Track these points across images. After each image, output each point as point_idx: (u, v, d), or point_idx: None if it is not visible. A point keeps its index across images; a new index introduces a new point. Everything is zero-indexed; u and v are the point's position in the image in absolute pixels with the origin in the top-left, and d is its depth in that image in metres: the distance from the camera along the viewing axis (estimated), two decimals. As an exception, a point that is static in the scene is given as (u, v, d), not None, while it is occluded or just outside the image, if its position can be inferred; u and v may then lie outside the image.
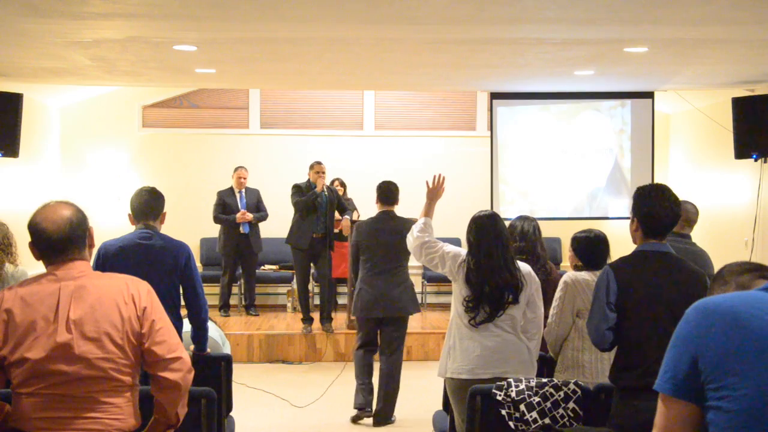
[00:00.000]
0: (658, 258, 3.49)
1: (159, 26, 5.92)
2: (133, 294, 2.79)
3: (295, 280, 9.24)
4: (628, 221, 10.23)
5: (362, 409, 6.41)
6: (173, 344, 2.83)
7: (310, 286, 9.17)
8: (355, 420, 6.47)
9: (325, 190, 8.68)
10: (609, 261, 4.43)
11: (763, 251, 8.38)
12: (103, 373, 2.69)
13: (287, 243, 8.85)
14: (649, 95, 9.38)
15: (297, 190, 8.70)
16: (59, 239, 2.76)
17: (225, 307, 9.87)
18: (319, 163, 8.75)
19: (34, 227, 2.78)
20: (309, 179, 8.76)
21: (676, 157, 10.77)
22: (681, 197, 5.16)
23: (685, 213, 4.99)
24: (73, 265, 2.78)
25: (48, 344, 2.65)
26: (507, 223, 5.17)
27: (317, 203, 8.63)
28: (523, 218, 5.06)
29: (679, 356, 1.86)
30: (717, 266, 4.98)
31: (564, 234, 10.44)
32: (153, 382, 2.83)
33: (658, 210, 3.46)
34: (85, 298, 2.72)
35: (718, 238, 8.77)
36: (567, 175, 9.66)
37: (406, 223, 5.90)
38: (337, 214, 9.70)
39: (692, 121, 10.19)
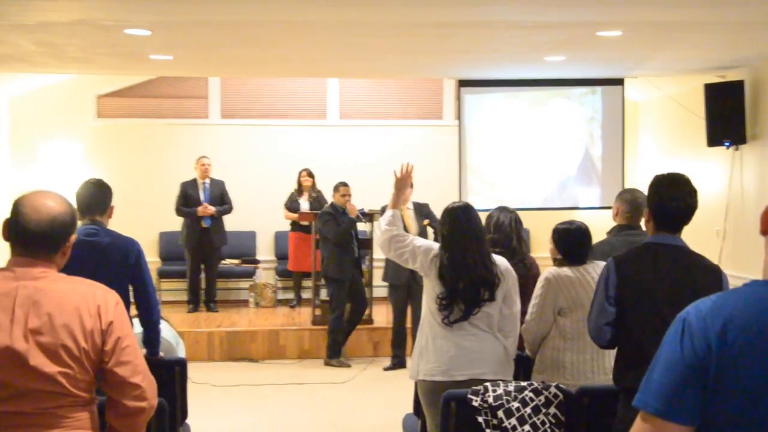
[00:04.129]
0: (667, 251, 3.23)
1: (109, 8, 5.59)
2: (99, 305, 2.46)
3: (332, 315, 8.09)
4: (600, 211, 9.98)
5: None
6: (138, 365, 2.51)
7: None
8: None
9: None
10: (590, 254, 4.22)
11: (734, 241, 8.23)
12: (58, 389, 2.38)
13: (324, 276, 8.09)
14: (620, 82, 9.20)
15: (329, 218, 7.92)
16: (33, 232, 2.45)
17: (192, 302, 9.53)
18: (344, 184, 8.12)
19: (15, 207, 2.50)
20: (333, 203, 8.10)
21: (646, 146, 10.60)
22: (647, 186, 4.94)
23: (634, 203, 4.69)
24: (36, 263, 2.47)
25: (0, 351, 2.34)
26: (483, 215, 4.93)
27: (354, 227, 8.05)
28: (500, 209, 4.81)
29: (675, 371, 1.71)
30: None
31: (533, 225, 10.22)
32: (110, 405, 2.50)
33: (668, 202, 3.21)
34: (44, 303, 2.40)
35: (689, 227, 8.60)
36: (537, 165, 9.44)
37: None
38: (304, 205, 9.41)
39: (663, 108, 10.03)
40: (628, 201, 4.62)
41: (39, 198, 2.51)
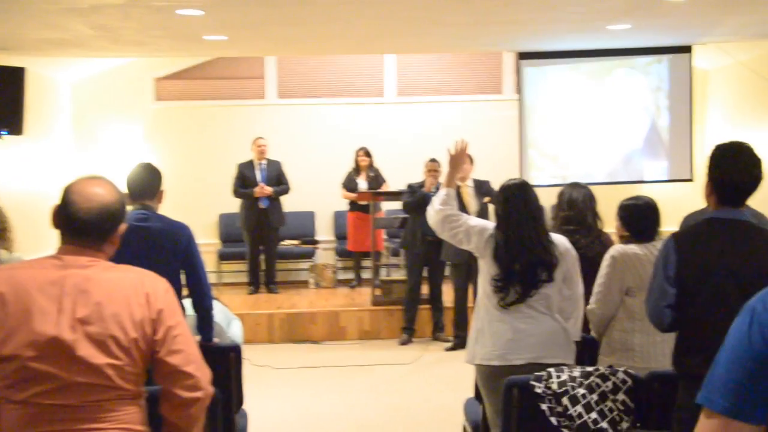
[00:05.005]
0: (731, 227, 2.98)
1: (160, -12, 5.52)
2: (148, 293, 2.37)
3: (407, 286, 8.17)
4: (667, 185, 9.57)
5: None
6: (191, 354, 2.40)
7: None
8: None
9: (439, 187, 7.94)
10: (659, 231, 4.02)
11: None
12: (106, 381, 2.29)
13: (401, 247, 8.21)
14: (688, 50, 8.81)
15: (409, 189, 7.94)
16: (83, 221, 2.37)
17: (252, 284, 9.51)
18: (432, 160, 7.97)
19: (65, 194, 2.41)
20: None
21: (715, 116, 10.19)
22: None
23: None
24: (85, 251, 2.39)
25: (45, 342, 2.25)
26: (558, 190, 4.75)
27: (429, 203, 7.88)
28: (572, 185, 4.63)
29: (743, 365, 1.51)
30: None
31: (597, 200, 9.94)
32: (164, 397, 2.41)
33: (733, 173, 2.95)
34: (92, 292, 2.31)
35: (759, 203, 8.21)
36: (600, 138, 9.14)
37: None
38: (362, 185, 9.30)
39: (733, 76, 9.60)
40: None
41: (89, 185, 2.42)
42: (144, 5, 5.94)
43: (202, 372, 2.41)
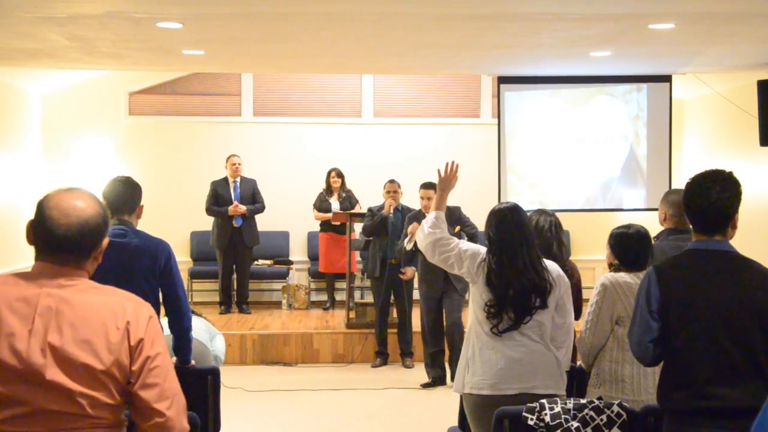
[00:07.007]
0: (713, 258, 2.90)
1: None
2: (129, 320, 2.18)
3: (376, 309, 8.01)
4: (645, 213, 9.57)
5: None
6: (167, 390, 2.21)
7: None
8: None
9: (400, 209, 7.75)
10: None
11: (788, 245, 7.85)
12: (78, 410, 2.10)
13: (363, 272, 8.09)
14: (667, 79, 8.83)
15: (369, 213, 7.86)
16: (61, 238, 2.18)
17: (224, 304, 9.34)
18: (391, 181, 7.89)
19: (41, 208, 2.21)
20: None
21: (691, 145, 10.23)
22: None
23: (679, 205, 4.33)
24: (63, 270, 2.20)
25: (12, 363, 2.08)
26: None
27: (389, 225, 7.70)
28: (539, 212, 4.43)
29: None
30: None
31: (575, 227, 9.92)
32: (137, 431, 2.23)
33: (694, 200, 2.90)
34: (67, 315, 2.13)
35: (739, 231, 8.22)
36: (579, 165, 9.12)
37: None
38: (334, 205, 9.21)
39: (710, 106, 9.65)
40: (674, 203, 4.27)
41: (67, 198, 2.22)
42: (123, 17, 5.82)
43: (175, 409, 2.22)
